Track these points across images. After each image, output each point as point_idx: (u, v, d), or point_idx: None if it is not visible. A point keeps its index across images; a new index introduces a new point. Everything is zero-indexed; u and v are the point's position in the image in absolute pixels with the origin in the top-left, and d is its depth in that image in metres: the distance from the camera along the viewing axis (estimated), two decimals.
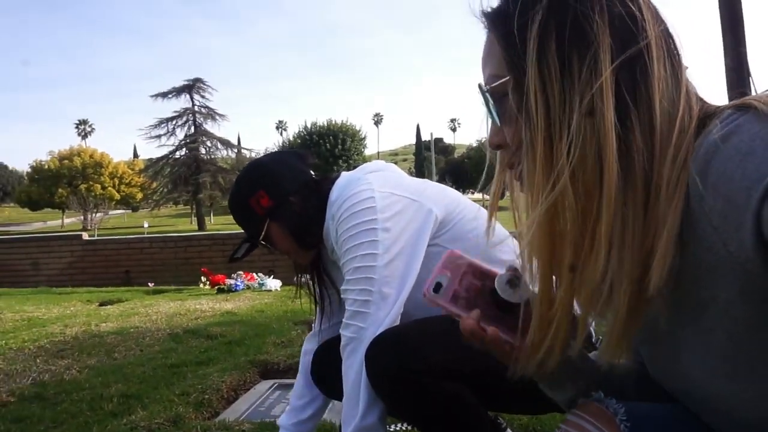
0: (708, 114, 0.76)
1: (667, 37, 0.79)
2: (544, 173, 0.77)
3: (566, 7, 0.76)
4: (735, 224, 0.67)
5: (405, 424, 2.33)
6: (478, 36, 0.87)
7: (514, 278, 0.94)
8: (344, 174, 1.86)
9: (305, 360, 2.03)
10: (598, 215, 0.75)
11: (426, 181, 1.88)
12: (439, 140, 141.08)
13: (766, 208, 0.63)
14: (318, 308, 2.00)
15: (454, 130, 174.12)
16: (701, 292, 0.76)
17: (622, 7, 0.76)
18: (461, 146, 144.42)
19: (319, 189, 1.83)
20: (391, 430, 2.32)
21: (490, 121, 0.89)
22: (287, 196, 1.82)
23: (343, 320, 1.65)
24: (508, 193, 0.94)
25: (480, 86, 0.87)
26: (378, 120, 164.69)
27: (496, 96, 0.85)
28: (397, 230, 1.65)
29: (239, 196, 1.87)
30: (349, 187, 1.75)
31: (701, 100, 0.80)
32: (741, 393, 0.80)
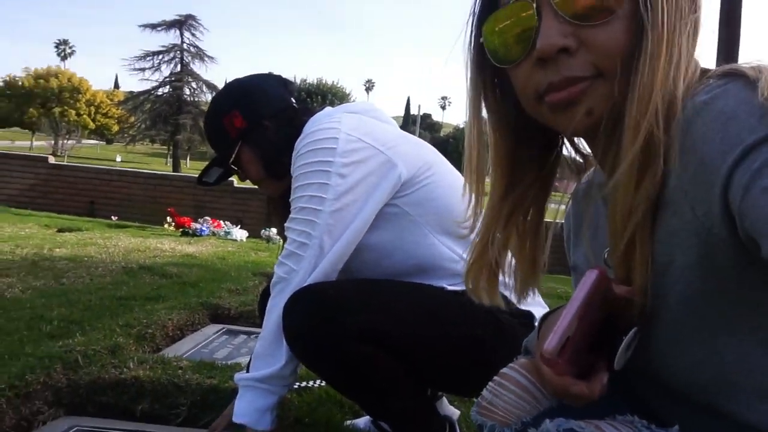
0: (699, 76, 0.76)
1: None
2: (664, 85, 0.72)
3: None
4: (705, 187, 0.67)
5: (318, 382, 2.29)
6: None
7: (633, 340, 0.80)
8: (326, 108, 1.79)
9: None
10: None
11: (407, 135, 1.79)
12: (427, 116, 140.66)
13: (737, 173, 0.63)
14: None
15: (443, 108, 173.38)
16: (660, 257, 0.75)
17: None
18: (448, 125, 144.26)
19: (296, 118, 1.75)
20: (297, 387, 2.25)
21: (543, 18, 0.76)
22: (262, 120, 1.75)
23: (279, 257, 1.61)
24: None
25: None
26: (369, 86, 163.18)
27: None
28: (353, 179, 1.57)
29: (214, 114, 1.82)
30: (319, 121, 1.67)
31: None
32: (680, 359, 0.79)
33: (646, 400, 0.88)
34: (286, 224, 1.63)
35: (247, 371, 1.61)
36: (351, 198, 1.56)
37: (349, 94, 64.93)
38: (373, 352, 1.45)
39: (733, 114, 0.65)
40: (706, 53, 0.81)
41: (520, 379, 0.87)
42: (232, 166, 1.80)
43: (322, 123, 1.64)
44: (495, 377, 0.90)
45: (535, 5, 0.76)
